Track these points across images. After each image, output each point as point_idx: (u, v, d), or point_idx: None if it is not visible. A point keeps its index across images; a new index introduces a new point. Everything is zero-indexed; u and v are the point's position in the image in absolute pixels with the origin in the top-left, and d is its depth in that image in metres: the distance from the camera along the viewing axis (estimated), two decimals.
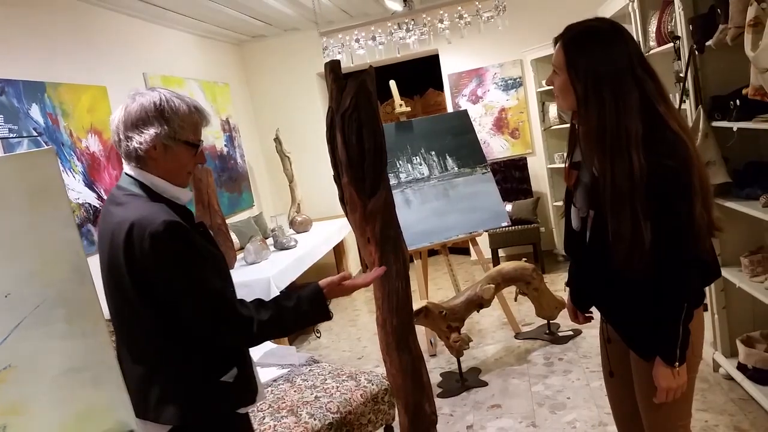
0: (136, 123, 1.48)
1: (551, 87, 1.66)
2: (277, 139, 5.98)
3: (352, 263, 6.67)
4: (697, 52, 2.82)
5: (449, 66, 6.31)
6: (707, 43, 2.71)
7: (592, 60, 1.51)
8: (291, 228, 5.61)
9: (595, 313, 1.91)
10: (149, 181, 1.51)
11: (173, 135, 1.49)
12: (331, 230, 5.57)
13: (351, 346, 4.77)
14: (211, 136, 5.31)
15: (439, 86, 6.68)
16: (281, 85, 6.47)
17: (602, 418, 3.05)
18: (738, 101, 2.52)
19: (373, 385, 2.80)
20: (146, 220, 1.39)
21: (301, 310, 1.54)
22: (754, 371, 2.82)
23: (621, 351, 1.76)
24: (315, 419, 2.54)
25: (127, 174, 1.55)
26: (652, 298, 1.54)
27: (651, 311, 1.55)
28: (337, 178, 2.04)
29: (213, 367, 1.52)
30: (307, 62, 6.34)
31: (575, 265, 1.83)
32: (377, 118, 1.96)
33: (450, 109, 6.33)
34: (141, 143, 1.47)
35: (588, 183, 1.64)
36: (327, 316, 1.58)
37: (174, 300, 1.41)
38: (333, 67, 1.99)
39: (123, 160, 1.56)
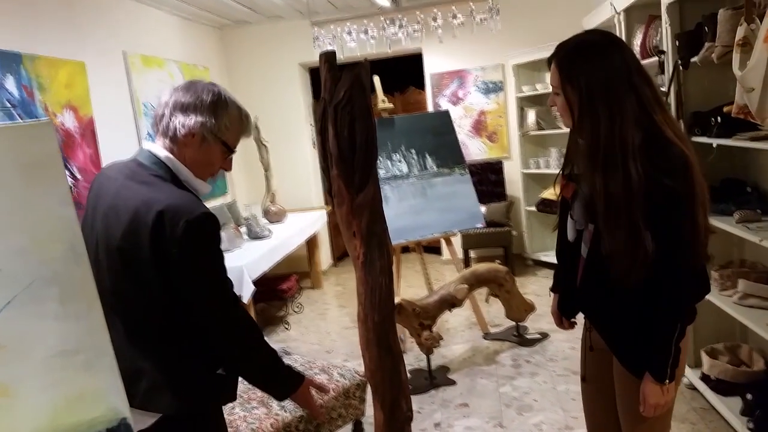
0: (186, 106, 1.49)
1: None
2: (255, 127, 5.91)
3: (324, 257, 6.64)
4: (681, 68, 2.87)
5: (432, 66, 6.32)
6: (692, 60, 2.77)
7: (584, 74, 1.51)
8: (265, 218, 5.55)
9: (579, 319, 1.93)
10: (174, 165, 1.50)
11: (215, 131, 1.50)
12: (305, 222, 5.53)
13: (320, 339, 4.75)
14: None
15: (420, 85, 6.68)
16: (262, 73, 6.39)
17: (568, 422, 3.10)
18: (719, 118, 2.58)
19: (345, 379, 2.80)
20: (183, 209, 1.38)
21: (282, 373, 1.62)
22: (717, 382, 2.90)
23: (603, 360, 1.76)
24: (286, 411, 2.52)
25: (150, 152, 1.52)
26: (647, 314, 1.54)
27: (646, 327, 1.55)
28: (326, 170, 2.02)
29: (212, 357, 1.50)
30: (290, 51, 6.28)
31: (565, 272, 1.82)
32: (370, 112, 1.94)
33: (430, 108, 6.34)
34: (183, 125, 1.48)
35: (587, 195, 1.62)
36: (284, 394, 1.66)
37: (191, 288, 1.42)
38: (328, 57, 1.95)
39: (156, 137, 1.54)
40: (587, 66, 1.51)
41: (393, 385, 1.97)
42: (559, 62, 1.57)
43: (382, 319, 1.97)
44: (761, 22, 2.06)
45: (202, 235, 1.41)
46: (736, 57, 2.10)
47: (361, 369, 3.13)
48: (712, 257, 1.61)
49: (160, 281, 1.39)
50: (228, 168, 1.62)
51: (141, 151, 1.54)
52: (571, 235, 1.70)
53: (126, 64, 4.27)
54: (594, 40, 1.56)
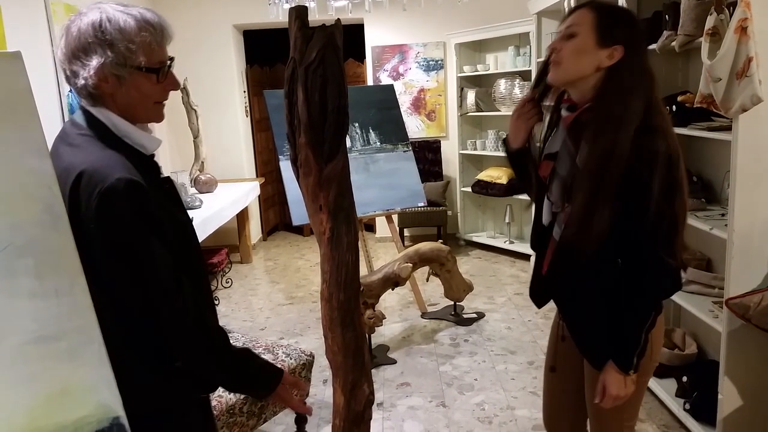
0: (76, 53, 1.21)
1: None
2: (184, 90, 5.55)
3: (254, 230, 6.40)
4: None
5: (373, 38, 6.17)
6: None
7: (623, 34, 1.46)
8: (194, 187, 5.26)
9: (551, 307, 1.89)
10: (110, 120, 1.25)
11: (122, 61, 1.21)
12: (238, 194, 5.29)
13: (252, 316, 4.58)
14: None
15: (359, 57, 6.52)
16: (192, 32, 5.99)
17: (510, 402, 3.13)
18: (674, 107, 2.62)
19: (291, 359, 2.67)
20: (99, 174, 1.13)
21: (255, 372, 1.43)
22: None
23: (574, 349, 1.70)
24: (229, 393, 2.38)
25: (83, 108, 1.27)
26: (619, 302, 1.49)
27: (614, 315, 1.50)
28: (292, 137, 1.87)
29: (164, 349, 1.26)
30: (224, 11, 5.96)
31: (539, 260, 1.75)
32: (344, 76, 1.80)
33: (370, 82, 6.20)
34: (87, 78, 1.20)
35: (566, 175, 1.55)
36: (266, 390, 1.46)
37: (113, 276, 1.14)
38: (299, 13, 1.80)
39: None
40: (627, 29, 1.47)
41: (356, 367, 1.88)
42: (597, 8, 1.48)
43: (347, 298, 1.86)
44: (730, 12, 2.08)
45: (119, 208, 1.13)
46: (705, 46, 2.11)
47: (305, 347, 3.03)
48: (688, 247, 1.60)
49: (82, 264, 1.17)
50: (173, 86, 1.35)
51: (78, 108, 1.30)
52: (546, 218, 1.63)
53: (48, 11, 3.85)
54: (634, 16, 1.58)
